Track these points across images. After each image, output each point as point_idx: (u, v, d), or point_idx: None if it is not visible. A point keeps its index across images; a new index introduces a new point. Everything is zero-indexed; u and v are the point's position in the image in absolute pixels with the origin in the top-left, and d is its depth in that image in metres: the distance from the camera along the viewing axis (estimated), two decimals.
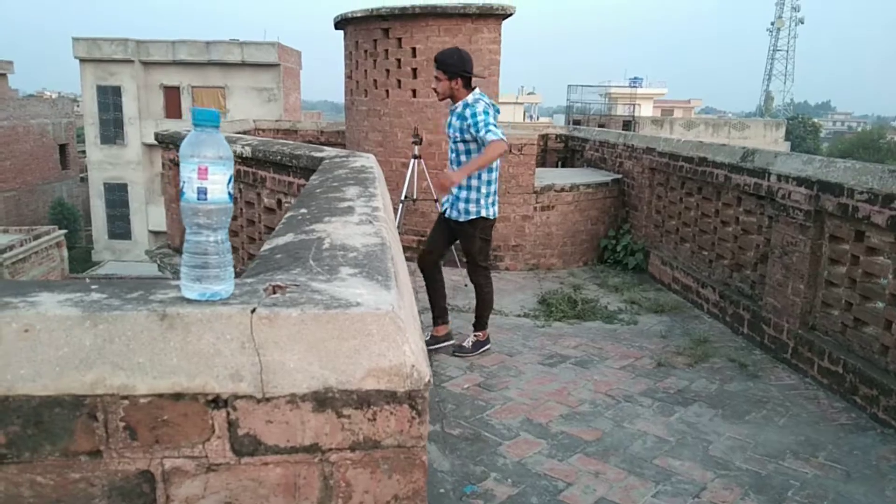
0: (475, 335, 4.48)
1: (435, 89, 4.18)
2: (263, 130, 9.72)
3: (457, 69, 4.06)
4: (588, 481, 3.02)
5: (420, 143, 5.90)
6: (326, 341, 0.97)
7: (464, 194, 4.19)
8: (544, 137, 9.60)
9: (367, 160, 3.64)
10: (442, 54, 4.14)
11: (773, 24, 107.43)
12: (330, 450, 0.97)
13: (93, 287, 1.04)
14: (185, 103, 31.39)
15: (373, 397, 0.96)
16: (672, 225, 6.45)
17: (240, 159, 5.07)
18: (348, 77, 7.65)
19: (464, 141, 4.12)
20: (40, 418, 0.92)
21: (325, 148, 4.59)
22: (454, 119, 4.17)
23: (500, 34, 6.54)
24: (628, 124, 27.29)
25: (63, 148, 36.06)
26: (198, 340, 0.95)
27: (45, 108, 35.48)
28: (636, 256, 6.91)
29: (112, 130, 31.69)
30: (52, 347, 0.93)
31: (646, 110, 48.16)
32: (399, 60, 6.78)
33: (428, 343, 4.26)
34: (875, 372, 3.74)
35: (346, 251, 1.37)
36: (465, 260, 4.50)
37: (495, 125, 4.02)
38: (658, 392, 4.05)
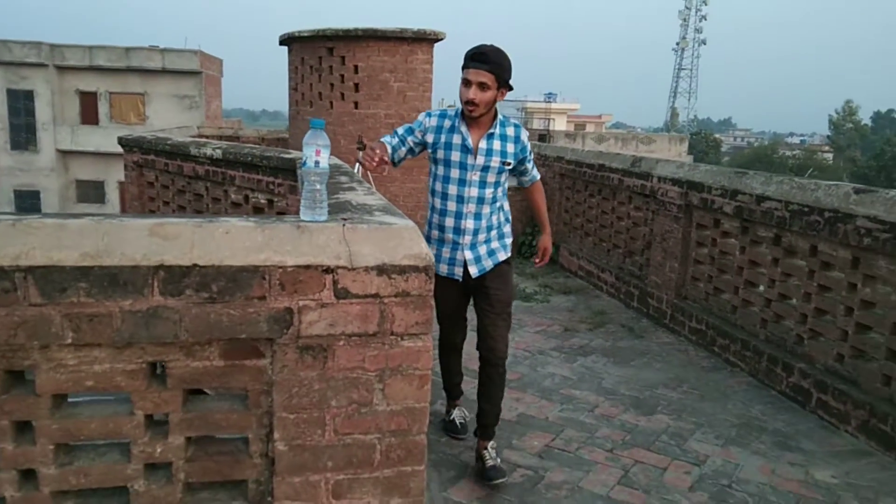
0: (492, 447, 3.18)
1: (473, 100, 2.88)
2: (207, 136, 10.32)
3: (508, 76, 2.96)
4: (512, 404, 3.98)
5: (363, 149, 6.77)
6: (381, 240, 1.86)
7: (494, 235, 3.19)
8: None
9: (335, 159, 4.50)
10: (492, 52, 2.89)
11: (678, 44, 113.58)
12: (384, 296, 1.85)
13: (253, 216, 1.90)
14: (103, 109, 30.87)
15: (406, 268, 1.86)
16: (578, 222, 7.57)
17: (209, 160, 5.81)
18: (293, 89, 8.43)
19: (500, 171, 3.07)
20: (235, 278, 1.77)
21: (291, 151, 5.41)
22: (496, 142, 3.02)
23: (432, 56, 7.52)
24: (543, 137, 28.85)
25: None
26: (316, 239, 1.82)
27: None
28: None
29: (23, 136, 30.76)
30: (240, 241, 1.78)
31: (560, 124, 50.42)
32: (342, 76, 7.64)
33: (454, 429, 3.56)
34: (728, 327, 4.88)
35: (369, 205, 2.26)
36: (485, 325, 3.16)
37: None
38: (564, 348, 5.08)
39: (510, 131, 3.09)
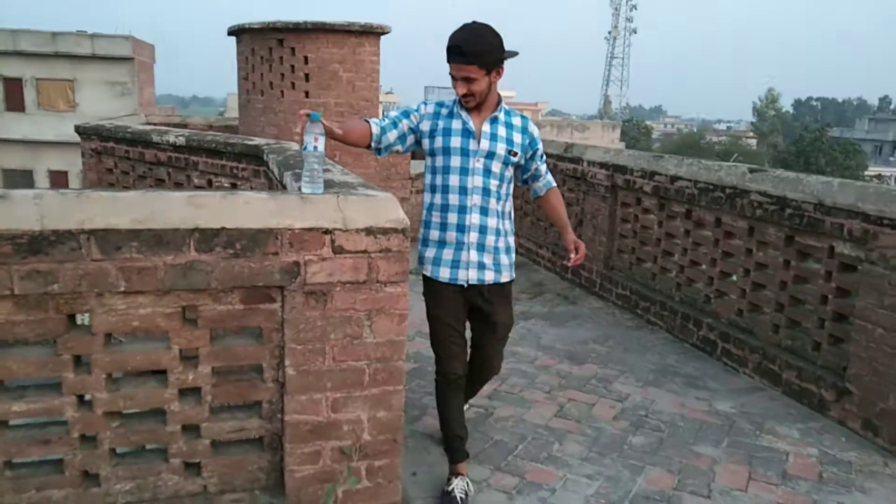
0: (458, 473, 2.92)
1: (466, 94, 2.64)
2: (155, 124, 10.47)
3: (497, 55, 2.61)
4: None
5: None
6: (368, 208, 2.36)
7: (502, 243, 2.86)
8: None
9: (298, 146, 4.94)
10: (469, 42, 2.55)
11: (609, 33, 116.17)
12: (371, 252, 2.36)
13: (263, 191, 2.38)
14: (30, 96, 29.85)
15: (388, 230, 2.36)
16: (517, 203, 8.16)
17: (172, 147, 6.14)
18: (244, 79, 8.74)
19: (506, 163, 2.77)
20: (254, 238, 2.24)
21: (254, 138, 5.80)
22: (501, 128, 2.76)
23: (379, 48, 7.97)
24: None
25: None
26: (317, 207, 2.31)
27: None
28: None
29: None
30: (257, 209, 2.26)
31: None
32: (293, 66, 8.01)
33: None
34: (648, 291, 5.55)
35: (350, 182, 2.76)
36: (486, 353, 3.06)
37: None
38: None
39: (516, 121, 2.82)
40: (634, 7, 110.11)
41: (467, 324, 3.02)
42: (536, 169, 2.97)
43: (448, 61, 2.60)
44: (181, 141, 5.96)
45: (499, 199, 2.83)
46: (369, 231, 2.35)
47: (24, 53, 28.91)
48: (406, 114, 2.85)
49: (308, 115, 2.37)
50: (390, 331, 2.46)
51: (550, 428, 3.61)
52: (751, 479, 3.19)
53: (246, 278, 2.27)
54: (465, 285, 2.83)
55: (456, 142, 2.76)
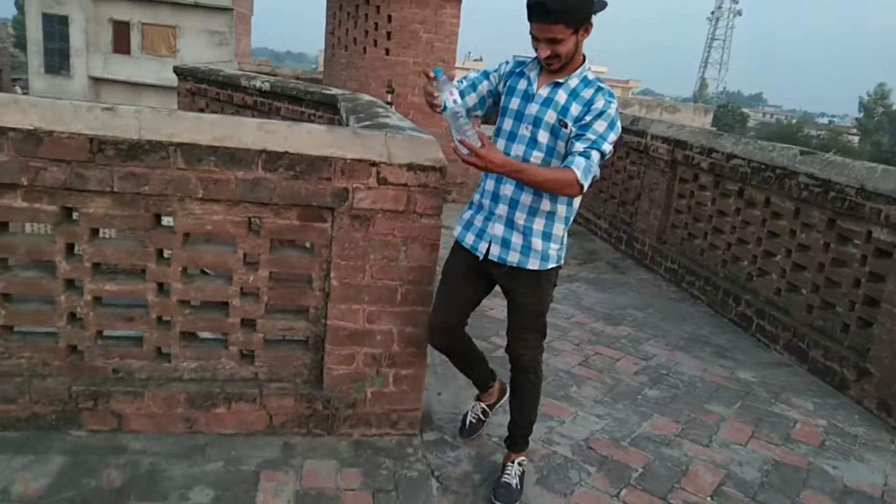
0: (519, 462, 2.76)
1: (549, 57, 2.32)
2: (245, 72, 11.07)
3: (587, 9, 2.27)
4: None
5: (393, 93, 7.55)
6: (411, 146, 2.69)
7: (539, 225, 2.50)
8: None
9: (369, 97, 5.30)
10: None
11: (712, 13, 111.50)
12: (411, 185, 2.69)
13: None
14: (135, 40, 31.41)
15: (427, 167, 2.68)
16: None
17: (258, 92, 6.61)
18: (330, 33, 9.15)
19: (557, 135, 2.40)
20: (312, 163, 2.61)
21: (331, 87, 6.20)
22: (561, 93, 2.40)
23: (459, 11, 8.21)
24: None
25: None
26: (367, 141, 2.65)
27: None
28: None
29: (57, 60, 31.43)
30: (317, 138, 2.62)
31: None
32: (376, 24, 8.36)
33: (470, 426, 3.02)
34: (695, 266, 5.69)
35: (402, 126, 3.08)
36: (511, 335, 2.71)
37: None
38: None
39: (586, 93, 2.36)
40: None
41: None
42: (571, 147, 2.33)
43: (529, 20, 2.25)
44: (266, 86, 6.42)
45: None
46: (410, 167, 2.67)
47: None
48: (486, 74, 2.59)
49: (434, 74, 2.23)
50: (422, 257, 2.79)
51: (572, 373, 3.90)
52: (753, 437, 3.39)
53: (302, 198, 2.64)
54: (480, 257, 2.56)
55: (514, 103, 2.48)
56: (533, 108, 2.43)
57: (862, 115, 73.82)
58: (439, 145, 2.80)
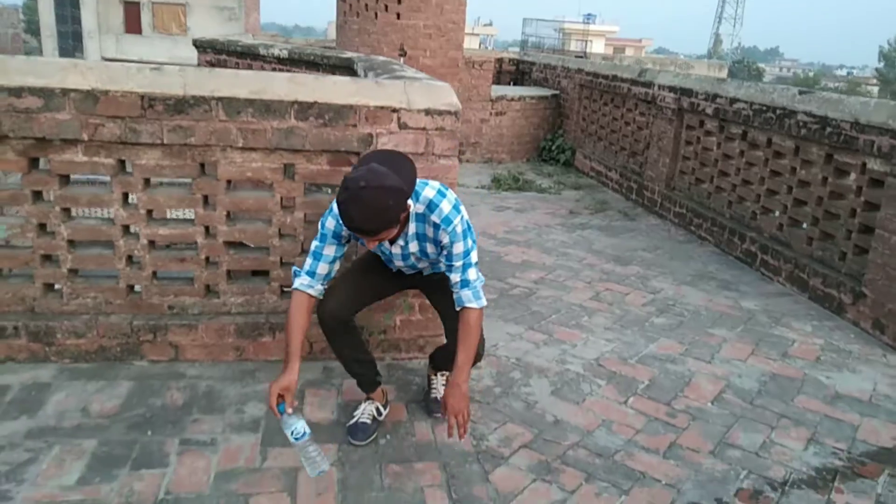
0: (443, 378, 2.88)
1: (382, 240, 2.32)
2: (264, 41, 11.29)
3: (402, 208, 2.25)
4: (518, 254, 5.14)
5: (405, 56, 7.75)
6: (428, 93, 2.95)
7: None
8: (499, 61, 11.49)
9: (384, 57, 5.53)
10: (369, 221, 2.17)
11: None
12: (428, 129, 2.95)
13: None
14: (146, 19, 31.59)
15: (443, 112, 2.95)
16: (593, 129, 8.53)
17: (276, 59, 6.87)
18: (342, 0, 9.33)
19: (429, 261, 2.60)
20: (339, 111, 2.88)
21: (347, 51, 6.44)
22: (413, 244, 2.48)
23: None
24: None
25: None
26: (388, 90, 2.92)
27: None
28: (566, 154, 9.00)
29: (70, 43, 31.73)
30: (343, 88, 2.89)
31: (598, 47, 49.69)
32: None
33: (357, 431, 2.67)
34: (703, 209, 5.92)
35: (418, 76, 3.34)
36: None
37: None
38: (567, 223, 6.20)
39: (429, 231, 2.42)
40: None
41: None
42: (452, 282, 2.44)
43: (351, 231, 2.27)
44: (284, 53, 6.67)
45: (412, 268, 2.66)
46: (428, 112, 2.94)
47: None
48: (324, 238, 2.45)
49: (279, 412, 2.25)
50: None
51: (584, 306, 4.18)
52: (752, 354, 3.67)
53: (331, 143, 2.92)
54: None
55: (378, 253, 2.63)
56: (398, 262, 2.58)
57: (882, 64, 72.31)
58: (453, 90, 3.06)
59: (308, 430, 2.25)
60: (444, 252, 2.42)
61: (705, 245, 5.70)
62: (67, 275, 3.01)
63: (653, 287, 4.63)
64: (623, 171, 7.48)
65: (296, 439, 2.22)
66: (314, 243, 2.46)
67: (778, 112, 4.89)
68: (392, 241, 2.46)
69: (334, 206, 2.37)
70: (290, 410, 2.25)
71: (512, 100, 9.00)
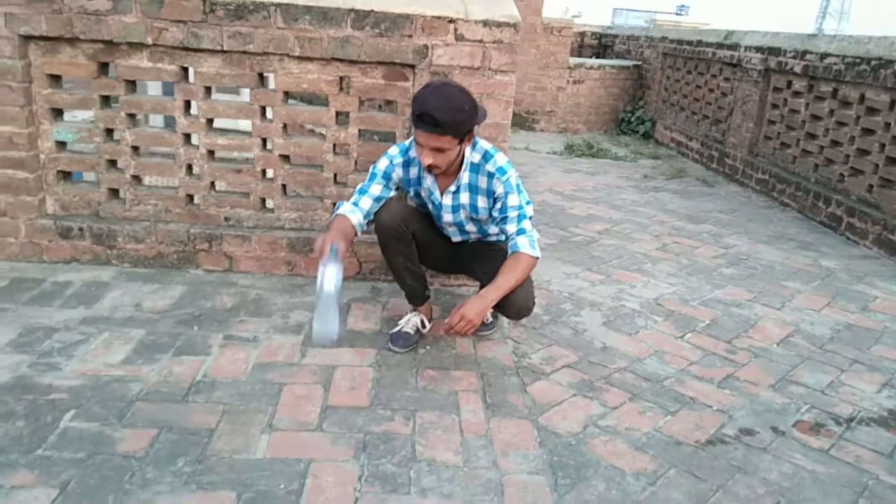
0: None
1: (432, 166, 2.29)
2: None
3: (468, 127, 2.28)
4: (585, 209, 4.99)
5: None
6: (487, 2, 2.87)
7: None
8: (581, 34, 11.23)
9: None
10: (443, 113, 2.16)
11: None
12: (486, 42, 2.88)
13: None
14: None
15: (502, 24, 2.86)
16: (675, 98, 8.21)
17: None
18: None
19: (477, 222, 2.57)
20: (395, 21, 2.84)
21: None
22: (463, 195, 2.46)
23: None
24: None
25: None
26: (445, 0, 2.86)
27: None
28: (645, 125, 8.70)
29: None
30: None
31: None
32: None
33: (399, 339, 2.62)
34: (787, 174, 5.59)
35: None
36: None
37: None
38: (640, 186, 5.98)
39: (482, 182, 2.42)
40: None
41: None
42: (503, 226, 2.40)
43: (416, 127, 2.22)
44: None
45: (485, 235, 2.63)
46: (486, 23, 2.86)
47: None
48: (373, 177, 2.50)
49: (331, 252, 2.18)
50: (497, 114, 2.98)
51: (648, 255, 4.01)
52: (828, 305, 3.42)
53: (386, 55, 2.89)
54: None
55: (428, 205, 2.58)
56: (448, 216, 2.53)
57: None
58: (513, 1, 2.97)
59: (340, 285, 2.12)
60: (498, 205, 2.40)
61: (787, 211, 5.38)
62: (131, 181, 3.10)
63: (726, 243, 4.39)
64: (704, 141, 7.16)
65: (326, 288, 2.11)
66: (362, 184, 2.49)
67: (873, 63, 4.54)
68: (443, 191, 2.45)
69: (389, 151, 2.51)
70: (341, 255, 2.19)
71: (591, 68, 8.76)
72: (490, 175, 2.39)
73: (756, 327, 3.08)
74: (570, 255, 3.89)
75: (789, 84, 5.70)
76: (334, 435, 2.05)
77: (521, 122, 8.73)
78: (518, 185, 2.39)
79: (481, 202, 2.45)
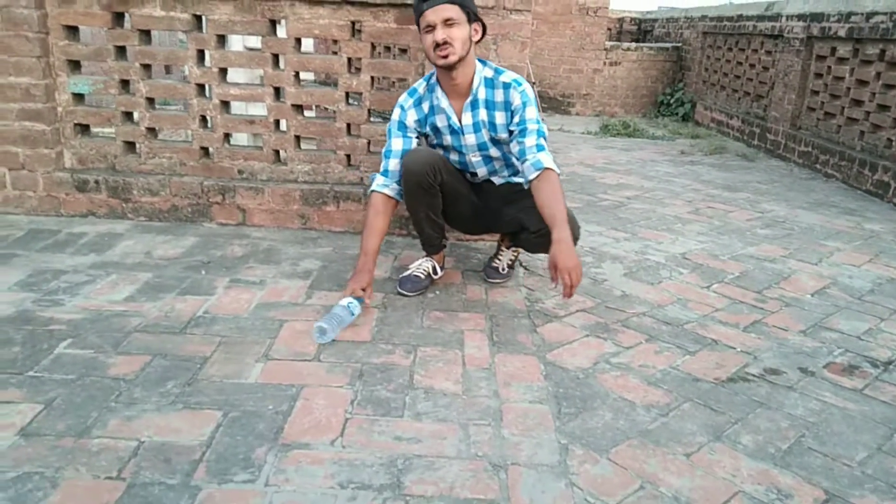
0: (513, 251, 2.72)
1: (445, 42, 2.18)
2: None
3: (473, 6, 2.28)
4: (616, 178, 4.84)
5: None
6: None
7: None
8: (620, 20, 11.01)
9: None
10: None
11: None
12: None
13: None
14: None
15: None
16: (715, 78, 7.96)
17: None
18: None
19: (498, 144, 2.45)
20: None
21: None
22: (481, 111, 2.38)
23: None
24: None
25: None
26: None
27: None
28: (685, 107, 8.46)
29: None
30: None
31: None
32: None
33: (408, 282, 2.54)
34: (831, 145, 5.34)
35: None
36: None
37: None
38: (676, 160, 5.79)
39: (498, 95, 2.34)
40: None
41: None
42: (520, 143, 2.30)
43: (421, 11, 2.19)
44: None
45: (509, 164, 2.55)
46: None
47: None
48: (390, 133, 2.46)
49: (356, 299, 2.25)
50: (513, 56, 2.89)
51: (678, 217, 3.85)
52: (870, 262, 3.22)
53: None
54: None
55: (448, 140, 2.47)
56: (469, 139, 2.44)
57: None
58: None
59: (357, 312, 2.23)
60: (516, 118, 2.32)
61: (831, 182, 5.13)
62: (146, 133, 3.10)
63: (762, 208, 4.20)
64: (745, 118, 6.91)
65: (347, 304, 2.21)
66: (385, 147, 2.45)
67: None
68: (461, 114, 2.38)
69: (399, 99, 2.44)
70: (368, 303, 2.31)
71: (628, 49, 8.58)
72: (506, 86, 2.33)
73: (789, 280, 2.91)
74: (596, 216, 3.76)
75: (833, 51, 5.45)
76: (331, 364, 1.98)
77: (557, 105, 8.59)
78: (535, 100, 2.33)
79: (499, 118, 2.37)
